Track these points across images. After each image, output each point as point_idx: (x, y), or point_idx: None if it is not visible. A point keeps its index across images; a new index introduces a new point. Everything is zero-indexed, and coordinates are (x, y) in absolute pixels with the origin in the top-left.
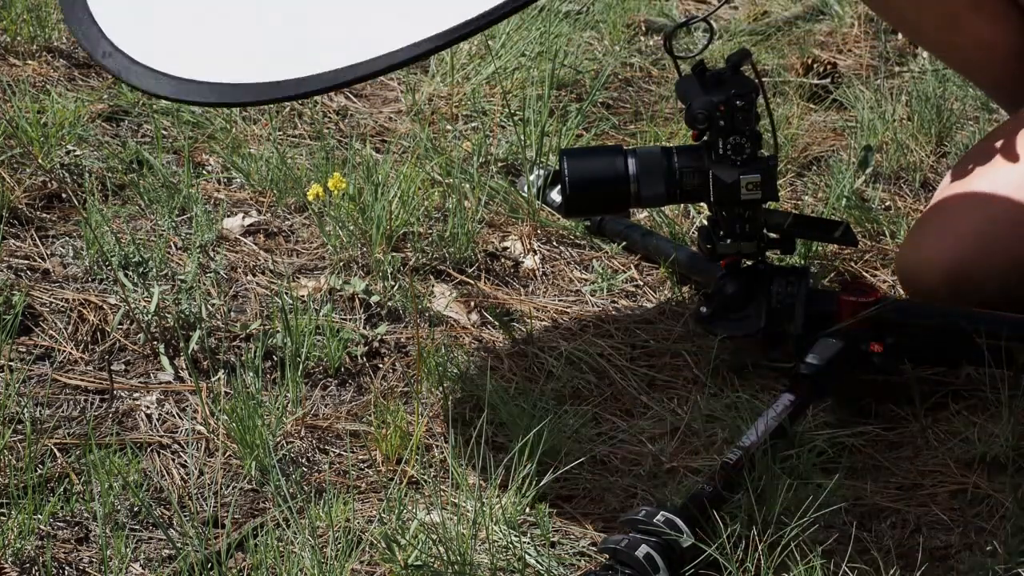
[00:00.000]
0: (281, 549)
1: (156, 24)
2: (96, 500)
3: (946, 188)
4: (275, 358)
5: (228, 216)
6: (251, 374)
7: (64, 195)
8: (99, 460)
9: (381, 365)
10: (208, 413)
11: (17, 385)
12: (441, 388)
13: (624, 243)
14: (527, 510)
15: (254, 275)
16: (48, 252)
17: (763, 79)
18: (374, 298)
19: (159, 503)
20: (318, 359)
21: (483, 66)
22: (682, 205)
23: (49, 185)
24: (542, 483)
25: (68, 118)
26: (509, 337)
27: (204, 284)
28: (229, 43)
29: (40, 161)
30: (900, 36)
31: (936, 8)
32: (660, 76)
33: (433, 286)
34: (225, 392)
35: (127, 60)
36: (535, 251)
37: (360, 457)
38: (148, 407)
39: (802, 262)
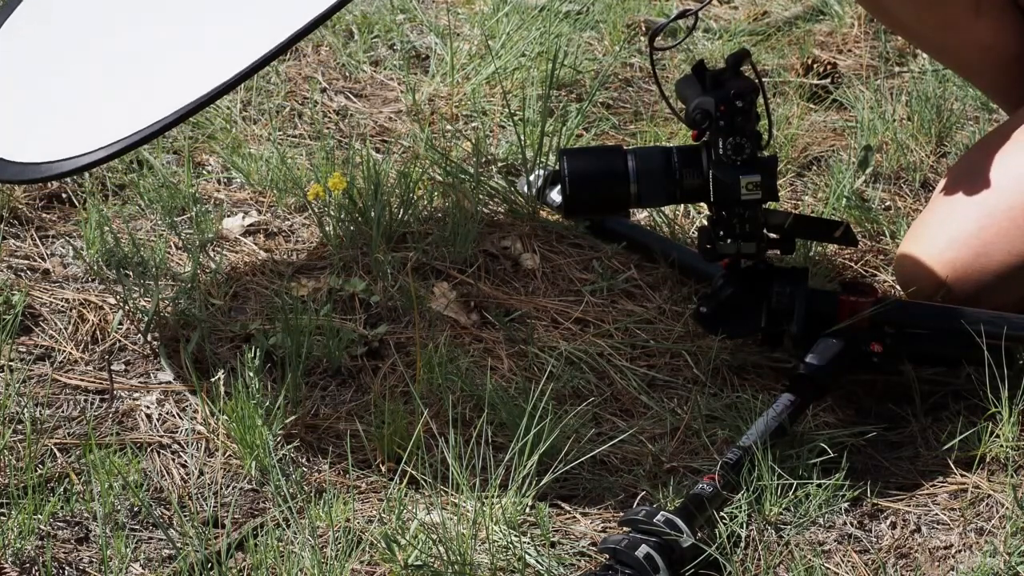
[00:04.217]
0: (281, 549)
1: None
2: (96, 500)
3: (945, 188)
4: (275, 358)
5: (228, 216)
6: (251, 374)
7: (64, 195)
8: (99, 460)
9: (381, 365)
10: (208, 413)
11: (17, 385)
12: (441, 388)
13: (624, 243)
14: (527, 510)
15: (254, 275)
16: (48, 252)
17: (763, 79)
18: (374, 298)
19: (159, 503)
20: (318, 359)
21: (483, 66)
22: (682, 205)
23: (49, 185)
24: (542, 483)
25: None
26: (509, 337)
27: (204, 284)
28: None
29: None
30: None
31: (935, 12)
32: (660, 76)
33: (433, 286)
34: (225, 392)
35: None
36: (535, 251)
37: (360, 457)
38: (148, 407)
39: (802, 262)
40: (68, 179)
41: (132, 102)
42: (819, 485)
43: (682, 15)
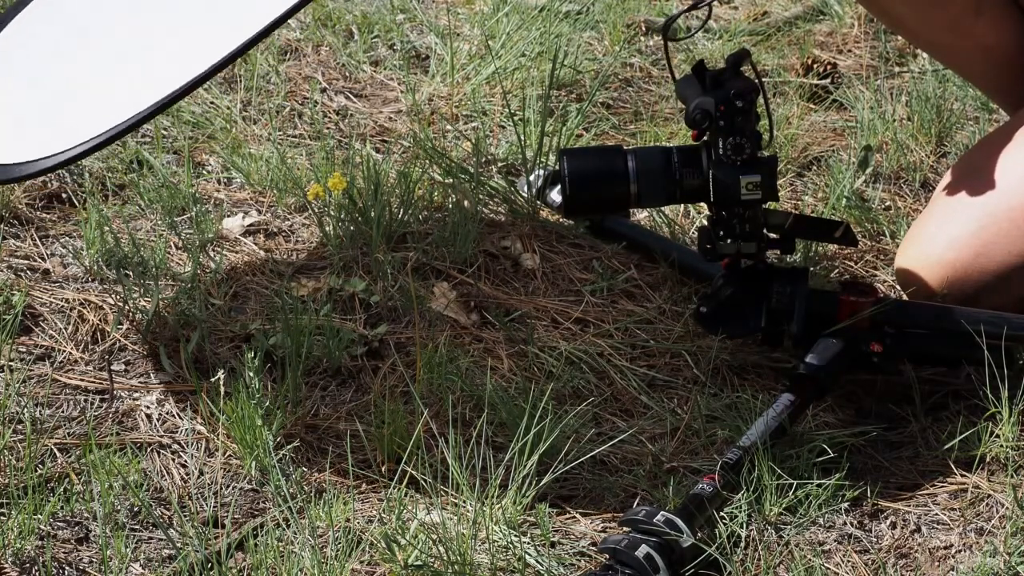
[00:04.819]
0: (281, 549)
1: None
2: (96, 500)
3: (945, 188)
4: (275, 358)
5: (228, 216)
6: (251, 374)
7: (64, 195)
8: (99, 460)
9: (381, 365)
10: (208, 413)
11: (17, 385)
12: (441, 388)
13: (624, 243)
14: (527, 510)
15: (254, 275)
16: (48, 252)
17: (763, 79)
18: (374, 298)
19: (159, 503)
20: (318, 359)
21: (483, 66)
22: (682, 205)
23: (49, 185)
24: (542, 483)
25: None
26: (509, 337)
27: (204, 284)
28: None
29: None
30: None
31: (936, 12)
32: (660, 76)
33: (433, 286)
34: (225, 392)
35: None
36: (535, 251)
37: (360, 457)
38: (148, 407)
39: (802, 262)
40: (68, 179)
41: (104, 99)
42: (819, 485)
43: (697, 5)
